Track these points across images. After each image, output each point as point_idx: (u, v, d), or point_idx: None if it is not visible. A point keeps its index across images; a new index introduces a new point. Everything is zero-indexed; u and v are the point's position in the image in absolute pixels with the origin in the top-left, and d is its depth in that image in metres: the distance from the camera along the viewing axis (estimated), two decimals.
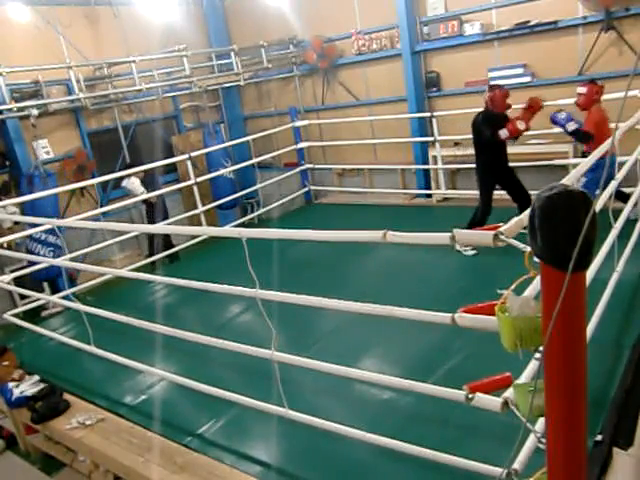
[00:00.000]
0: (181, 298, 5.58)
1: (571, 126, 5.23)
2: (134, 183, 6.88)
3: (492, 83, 5.76)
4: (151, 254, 7.05)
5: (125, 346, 4.29)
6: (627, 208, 4.12)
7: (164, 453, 3.29)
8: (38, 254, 6.45)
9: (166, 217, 7.28)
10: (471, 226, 5.49)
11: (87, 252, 6.43)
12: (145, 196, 6.88)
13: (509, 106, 5.49)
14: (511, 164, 7.21)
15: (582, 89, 5.34)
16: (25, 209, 6.53)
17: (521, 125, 5.24)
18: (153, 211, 7.17)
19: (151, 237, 7.25)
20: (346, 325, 4.30)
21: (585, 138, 5.28)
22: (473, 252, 5.52)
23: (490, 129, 5.40)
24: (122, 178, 6.92)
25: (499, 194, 5.88)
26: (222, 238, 5.73)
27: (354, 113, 8.73)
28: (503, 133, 5.32)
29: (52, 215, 6.41)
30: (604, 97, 5.61)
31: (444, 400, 2.64)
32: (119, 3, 8.24)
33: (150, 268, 6.66)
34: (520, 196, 5.73)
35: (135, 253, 8.18)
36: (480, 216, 5.64)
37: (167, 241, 7.25)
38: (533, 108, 5.35)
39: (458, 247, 5.52)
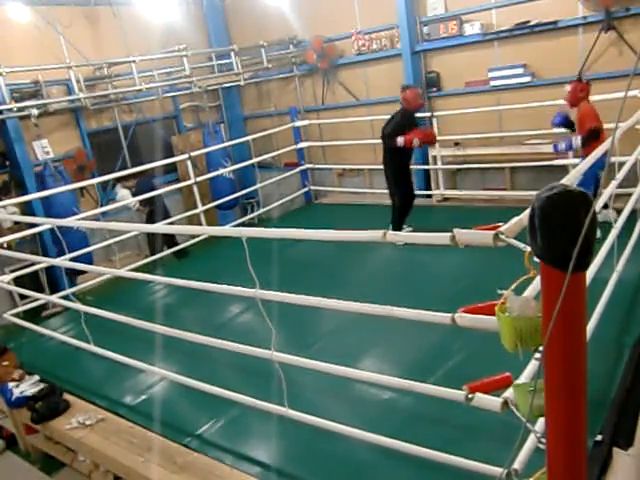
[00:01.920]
0: (181, 298, 5.58)
1: (576, 141, 5.33)
2: (124, 197, 6.86)
3: (404, 84, 6.43)
4: (152, 253, 7.02)
5: (125, 346, 4.28)
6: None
7: (164, 453, 3.29)
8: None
9: (167, 217, 7.22)
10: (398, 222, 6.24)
11: (87, 252, 6.42)
12: (134, 199, 6.77)
13: (422, 104, 6.14)
14: (511, 164, 7.24)
15: (569, 86, 5.50)
16: (44, 207, 6.68)
17: (416, 143, 5.87)
18: (151, 218, 7.11)
19: (150, 237, 7.23)
20: (346, 325, 4.30)
21: (594, 134, 5.21)
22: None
23: (393, 130, 6.02)
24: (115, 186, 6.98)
25: (497, 194, 5.88)
26: (222, 238, 5.74)
27: (354, 113, 8.73)
28: (399, 141, 5.89)
29: (72, 210, 6.66)
30: (604, 97, 5.62)
31: (444, 400, 2.65)
32: (119, 3, 8.24)
33: (152, 267, 6.64)
34: (395, 195, 6.35)
35: (135, 253, 8.18)
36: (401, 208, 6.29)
37: (170, 239, 7.22)
38: (427, 141, 6.13)
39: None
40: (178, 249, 7.06)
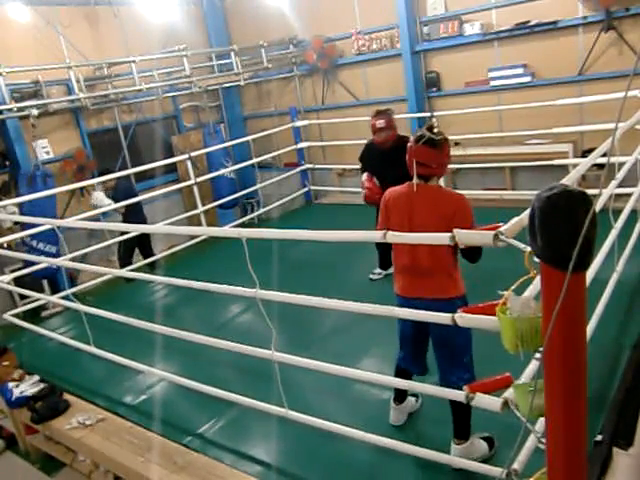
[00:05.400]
0: (181, 298, 5.58)
1: None
2: (97, 198, 6.52)
3: (380, 108, 5.20)
4: (121, 260, 6.70)
5: (125, 346, 4.29)
6: None
7: (164, 453, 3.28)
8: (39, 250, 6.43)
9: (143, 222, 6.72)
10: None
11: (87, 252, 6.41)
12: (110, 207, 6.42)
13: (383, 139, 5.14)
14: (511, 164, 7.21)
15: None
16: (24, 209, 6.40)
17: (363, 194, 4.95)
18: (127, 220, 6.58)
19: (119, 245, 6.81)
20: (346, 325, 4.29)
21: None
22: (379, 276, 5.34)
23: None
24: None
25: (497, 194, 5.86)
26: (222, 238, 5.73)
27: (354, 113, 8.72)
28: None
29: (50, 216, 6.23)
30: (604, 97, 5.60)
31: (444, 400, 2.65)
32: (119, 3, 8.23)
33: (151, 268, 6.62)
34: None
35: (135, 253, 8.16)
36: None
37: (145, 249, 6.90)
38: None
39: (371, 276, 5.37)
40: (152, 260, 6.71)
